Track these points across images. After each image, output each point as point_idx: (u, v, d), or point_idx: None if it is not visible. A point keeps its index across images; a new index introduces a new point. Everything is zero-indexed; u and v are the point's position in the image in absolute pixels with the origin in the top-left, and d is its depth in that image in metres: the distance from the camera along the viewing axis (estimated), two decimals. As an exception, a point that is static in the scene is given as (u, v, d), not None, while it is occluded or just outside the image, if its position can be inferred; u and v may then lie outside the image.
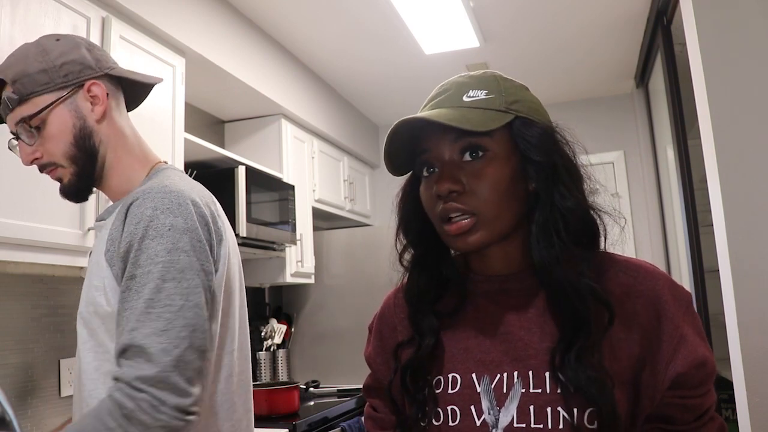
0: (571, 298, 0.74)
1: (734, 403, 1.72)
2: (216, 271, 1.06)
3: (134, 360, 0.93)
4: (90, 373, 1.05)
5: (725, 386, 1.84)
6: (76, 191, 1.13)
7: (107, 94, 1.11)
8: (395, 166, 0.83)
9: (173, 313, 0.95)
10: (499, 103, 0.78)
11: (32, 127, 1.07)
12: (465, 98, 0.78)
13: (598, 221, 0.80)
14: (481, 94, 0.78)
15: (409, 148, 0.81)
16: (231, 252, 1.12)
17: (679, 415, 0.74)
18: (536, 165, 0.77)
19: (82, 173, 1.11)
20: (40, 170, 1.12)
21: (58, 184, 1.14)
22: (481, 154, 0.77)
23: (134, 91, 1.21)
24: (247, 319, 1.25)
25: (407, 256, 0.87)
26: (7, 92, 1.06)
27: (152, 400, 0.92)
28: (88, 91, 1.09)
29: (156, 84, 1.21)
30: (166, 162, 1.20)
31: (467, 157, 0.77)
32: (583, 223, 0.78)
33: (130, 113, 1.21)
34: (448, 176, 0.76)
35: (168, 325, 0.95)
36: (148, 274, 0.97)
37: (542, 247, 0.75)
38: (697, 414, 0.75)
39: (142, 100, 1.26)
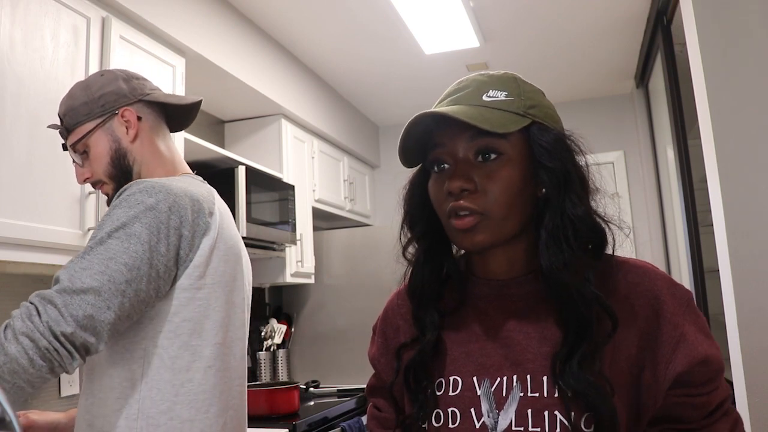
0: (576, 304, 0.74)
1: (734, 403, 1.72)
2: (187, 259, 1.11)
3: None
4: (101, 365, 1.11)
5: (725, 386, 1.84)
6: None
7: (139, 117, 1.25)
8: (408, 159, 0.83)
9: (99, 262, 1.00)
10: (518, 106, 0.77)
11: (80, 152, 1.24)
12: (485, 97, 0.78)
13: (607, 230, 0.79)
14: (500, 95, 0.78)
15: (422, 141, 0.81)
16: (221, 248, 1.17)
17: (686, 413, 0.74)
18: (549, 171, 0.76)
19: (120, 188, 1.22)
20: (93, 187, 1.28)
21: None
22: (495, 156, 0.76)
23: (179, 113, 1.36)
24: (247, 320, 1.27)
25: (411, 250, 0.87)
26: (61, 126, 1.25)
27: (31, 309, 0.94)
28: (122, 116, 1.24)
29: (197, 103, 1.34)
30: (197, 175, 1.31)
31: (481, 157, 0.77)
32: (591, 231, 0.78)
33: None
34: (461, 174, 0.76)
35: (88, 266, 0.99)
36: (101, 232, 1.04)
37: (551, 253, 0.75)
38: (706, 411, 0.75)
39: (191, 119, 1.40)
